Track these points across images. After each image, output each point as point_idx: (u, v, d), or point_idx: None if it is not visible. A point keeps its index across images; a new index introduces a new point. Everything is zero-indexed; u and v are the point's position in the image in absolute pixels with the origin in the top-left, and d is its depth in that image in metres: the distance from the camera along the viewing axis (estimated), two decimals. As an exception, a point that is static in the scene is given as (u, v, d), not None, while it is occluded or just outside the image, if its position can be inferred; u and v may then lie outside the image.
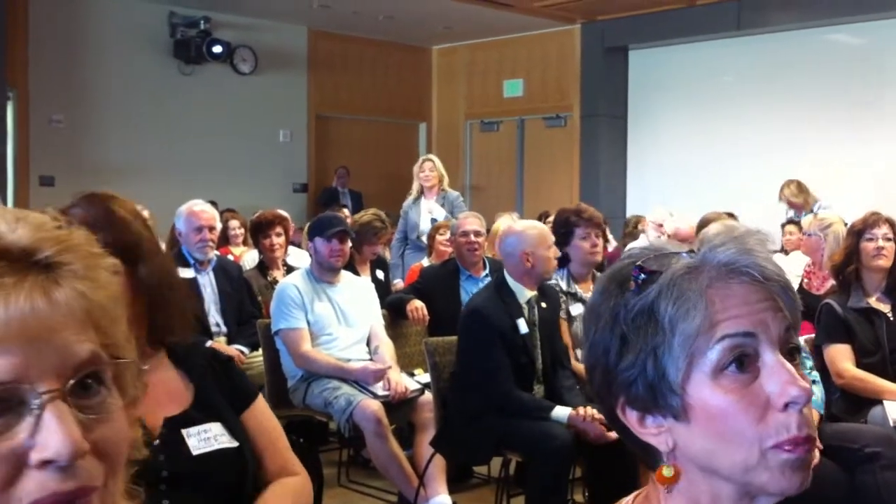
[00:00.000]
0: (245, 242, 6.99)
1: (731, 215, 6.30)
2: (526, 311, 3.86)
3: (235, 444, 1.78)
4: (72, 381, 0.70)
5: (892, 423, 3.54)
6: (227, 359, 1.98)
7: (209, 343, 4.29)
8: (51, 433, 0.67)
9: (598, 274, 4.66)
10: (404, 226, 7.10)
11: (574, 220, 4.40)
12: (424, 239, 6.59)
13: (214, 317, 4.88)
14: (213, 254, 5.03)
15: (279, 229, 5.65)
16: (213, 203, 5.81)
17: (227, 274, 5.00)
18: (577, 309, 4.31)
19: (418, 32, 11.95)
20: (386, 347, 4.51)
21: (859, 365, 3.77)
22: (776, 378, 0.91)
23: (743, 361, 0.92)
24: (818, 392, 3.49)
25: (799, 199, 8.05)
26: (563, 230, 4.35)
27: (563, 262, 4.32)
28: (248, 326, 4.85)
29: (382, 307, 4.80)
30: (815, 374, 3.58)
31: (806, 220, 6.46)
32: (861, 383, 3.73)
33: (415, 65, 12.78)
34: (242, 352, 4.71)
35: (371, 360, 4.45)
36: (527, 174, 12.21)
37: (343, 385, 4.27)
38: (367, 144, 12.28)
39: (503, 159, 12.41)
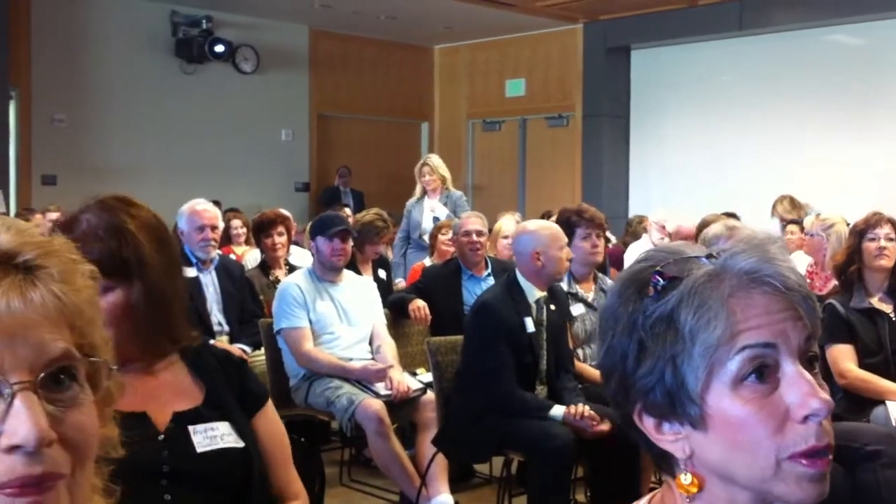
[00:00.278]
0: (247, 242, 6.98)
1: (732, 215, 6.28)
2: (534, 311, 3.86)
3: (242, 444, 1.77)
4: (42, 375, 0.74)
5: (894, 423, 3.54)
6: (240, 361, 1.97)
7: (211, 342, 4.29)
8: (19, 421, 0.72)
9: (599, 274, 4.67)
10: (407, 225, 7.08)
11: (575, 220, 4.41)
12: (427, 238, 6.59)
13: (217, 316, 4.89)
14: (216, 253, 5.03)
15: (281, 229, 5.66)
16: (217, 203, 5.81)
17: (230, 273, 5.00)
18: (577, 309, 4.31)
19: (420, 32, 11.94)
20: (388, 347, 4.51)
21: (862, 365, 3.77)
22: (796, 389, 0.90)
23: (763, 372, 0.91)
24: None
25: (792, 214, 8.00)
26: (564, 230, 4.34)
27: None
28: (250, 326, 4.85)
29: (384, 306, 4.80)
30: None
31: (808, 220, 6.45)
32: (864, 384, 3.73)
33: (417, 64, 12.77)
34: (245, 351, 4.71)
35: (373, 359, 4.45)
36: (529, 174, 12.20)
37: (345, 384, 4.27)
38: (368, 144, 12.28)
39: (505, 159, 12.40)
